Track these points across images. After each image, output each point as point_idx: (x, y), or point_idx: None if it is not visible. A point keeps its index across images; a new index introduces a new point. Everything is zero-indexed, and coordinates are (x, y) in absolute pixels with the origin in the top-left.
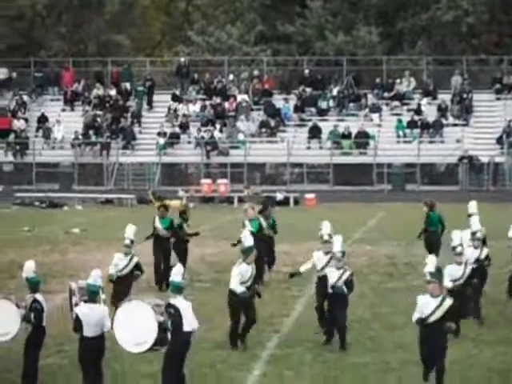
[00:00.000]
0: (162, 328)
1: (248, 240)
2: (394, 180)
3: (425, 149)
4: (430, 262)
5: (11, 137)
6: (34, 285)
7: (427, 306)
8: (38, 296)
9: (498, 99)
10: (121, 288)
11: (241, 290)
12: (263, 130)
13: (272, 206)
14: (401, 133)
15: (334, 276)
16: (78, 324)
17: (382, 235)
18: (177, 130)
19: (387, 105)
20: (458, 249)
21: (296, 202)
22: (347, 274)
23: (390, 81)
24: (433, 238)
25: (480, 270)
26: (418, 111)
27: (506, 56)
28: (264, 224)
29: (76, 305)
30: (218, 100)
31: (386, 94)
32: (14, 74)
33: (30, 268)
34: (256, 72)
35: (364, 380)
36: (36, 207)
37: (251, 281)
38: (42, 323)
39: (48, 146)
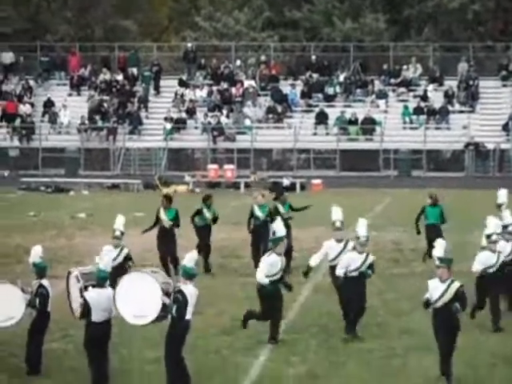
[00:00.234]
0: (165, 310)
1: (279, 230)
2: (400, 166)
3: (431, 135)
4: (439, 246)
5: (17, 121)
6: (40, 270)
7: (436, 290)
8: (44, 281)
9: (505, 86)
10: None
11: (265, 281)
12: (270, 115)
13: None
14: (407, 119)
15: (357, 260)
16: (86, 309)
17: (388, 221)
18: (183, 115)
19: (394, 91)
20: (493, 237)
21: (302, 187)
22: (371, 258)
23: (397, 67)
24: (433, 231)
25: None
26: (425, 98)
27: (511, 43)
28: (282, 209)
29: (81, 291)
30: (224, 85)
31: (392, 81)
32: (21, 59)
33: (37, 253)
34: (263, 58)
35: (369, 366)
36: (42, 192)
37: (281, 273)
38: (47, 309)
39: (54, 130)
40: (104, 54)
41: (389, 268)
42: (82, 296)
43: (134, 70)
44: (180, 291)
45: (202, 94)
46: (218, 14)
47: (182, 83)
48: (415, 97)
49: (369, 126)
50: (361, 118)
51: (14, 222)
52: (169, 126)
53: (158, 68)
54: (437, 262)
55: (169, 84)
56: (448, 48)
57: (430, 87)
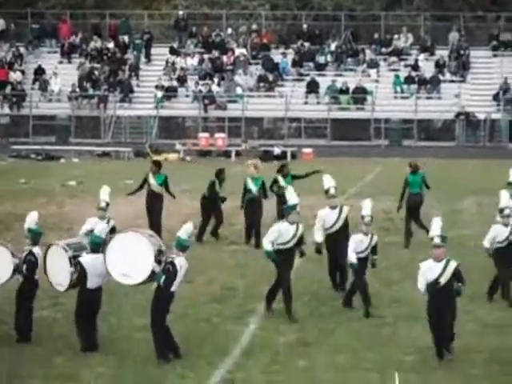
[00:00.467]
0: (152, 277)
1: (292, 198)
2: (391, 135)
3: (422, 105)
4: (436, 225)
5: (8, 89)
6: (35, 236)
7: (431, 271)
8: (35, 249)
9: (495, 56)
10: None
11: (269, 248)
12: (261, 84)
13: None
14: (398, 88)
15: (364, 242)
16: (82, 275)
17: (378, 190)
18: (174, 83)
19: (385, 60)
20: (506, 211)
21: (293, 156)
22: (375, 238)
23: (388, 36)
24: (415, 200)
25: None
26: (416, 67)
27: (503, 13)
28: (282, 182)
29: (71, 259)
30: (215, 54)
31: (383, 50)
32: (12, 26)
33: (33, 219)
34: (254, 26)
35: (359, 334)
36: (32, 160)
37: (295, 240)
38: (35, 276)
39: (45, 98)
40: (95, 21)
41: (379, 237)
42: (73, 264)
43: (125, 38)
44: (171, 262)
45: (193, 62)
46: None
47: (173, 51)
48: (406, 66)
49: (360, 95)
50: (352, 87)
51: (4, 189)
52: (160, 94)
53: (149, 36)
54: (437, 241)
55: (160, 52)
56: (439, 17)
57: (421, 57)
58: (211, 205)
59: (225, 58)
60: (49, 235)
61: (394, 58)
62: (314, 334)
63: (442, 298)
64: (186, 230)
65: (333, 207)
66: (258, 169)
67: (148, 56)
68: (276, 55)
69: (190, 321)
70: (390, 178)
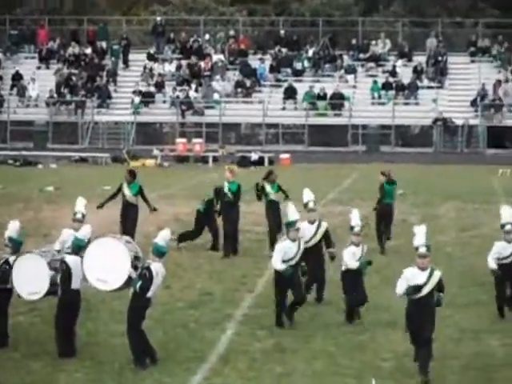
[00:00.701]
0: (129, 283)
1: (291, 214)
2: (368, 141)
3: (399, 110)
4: (421, 234)
5: None
6: (15, 245)
7: (414, 280)
8: (12, 258)
9: (473, 62)
10: None
11: (282, 267)
12: (239, 90)
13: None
14: (376, 94)
15: (356, 253)
16: (67, 274)
17: (356, 196)
18: (152, 89)
19: (362, 66)
20: (507, 227)
21: (271, 162)
22: (366, 248)
23: (366, 42)
24: (386, 210)
25: None
26: (393, 73)
27: (480, 19)
28: (269, 189)
29: (50, 264)
30: (193, 59)
31: (361, 56)
32: None
33: (14, 228)
34: (232, 32)
35: (336, 340)
36: (10, 165)
37: (297, 258)
38: (7, 285)
39: (22, 104)
40: (73, 27)
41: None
42: (53, 268)
43: (103, 44)
44: (147, 268)
45: (170, 68)
46: None
47: (150, 57)
48: (384, 72)
49: (337, 101)
50: (329, 93)
51: None
52: (137, 99)
53: (126, 42)
54: (423, 250)
55: (137, 58)
56: (417, 23)
57: (399, 62)
58: (206, 219)
59: (202, 64)
60: (26, 241)
61: (371, 64)
62: (291, 340)
63: (422, 307)
64: (163, 237)
65: (311, 221)
66: (233, 173)
67: (126, 62)
68: (253, 61)
69: (167, 326)
70: (367, 184)
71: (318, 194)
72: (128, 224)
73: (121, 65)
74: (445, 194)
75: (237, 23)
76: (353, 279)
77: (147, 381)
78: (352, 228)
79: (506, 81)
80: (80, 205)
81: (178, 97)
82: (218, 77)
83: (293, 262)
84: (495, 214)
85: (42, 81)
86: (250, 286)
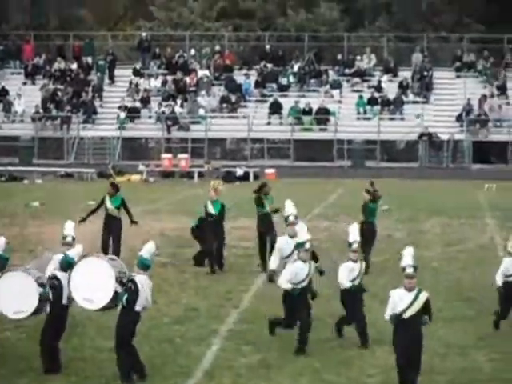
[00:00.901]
0: (115, 298)
1: (302, 234)
2: (354, 156)
3: (385, 126)
4: (408, 255)
5: None
6: (2, 261)
7: (401, 301)
8: None
9: (458, 77)
10: None
11: (288, 287)
12: (224, 105)
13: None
14: (361, 109)
15: (354, 270)
16: (59, 290)
17: (341, 211)
18: (138, 104)
19: (348, 81)
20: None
21: (256, 177)
22: (364, 265)
23: (351, 57)
24: (370, 229)
25: None
26: (379, 88)
27: (466, 34)
28: (266, 202)
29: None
30: (179, 75)
31: (346, 71)
32: None
33: (0, 245)
34: (217, 47)
35: (322, 355)
36: None
37: (308, 279)
38: None
39: (8, 119)
40: (59, 42)
41: (342, 257)
42: (41, 284)
43: (89, 59)
44: (132, 280)
45: (156, 83)
46: (172, 4)
47: (136, 72)
48: (369, 87)
49: (323, 116)
50: (315, 108)
51: None
52: (123, 115)
53: (112, 57)
54: (410, 271)
55: (123, 73)
56: (402, 38)
57: (385, 78)
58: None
59: (188, 79)
60: (12, 257)
61: (357, 79)
62: (276, 356)
63: (408, 328)
64: (148, 249)
65: (291, 236)
66: (217, 192)
67: (111, 77)
68: (239, 76)
69: (153, 341)
70: (352, 199)
71: (303, 208)
72: (112, 238)
73: (106, 80)
74: (430, 209)
75: (222, 38)
76: (351, 297)
77: None
78: (350, 244)
79: (492, 96)
80: (69, 228)
81: (163, 112)
82: (203, 92)
83: (304, 284)
84: (481, 229)
85: (27, 96)
86: (236, 302)
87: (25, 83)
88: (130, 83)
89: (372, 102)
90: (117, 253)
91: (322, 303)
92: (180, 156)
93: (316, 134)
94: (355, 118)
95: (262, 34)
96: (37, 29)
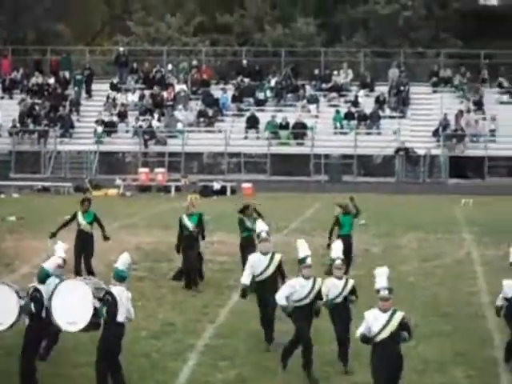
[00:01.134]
0: (96, 313)
1: (302, 250)
2: (330, 171)
3: (362, 140)
4: (382, 276)
5: None
6: None
7: (376, 321)
8: None
9: (435, 92)
10: None
11: (282, 302)
12: (201, 119)
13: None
14: (338, 124)
15: (337, 287)
16: (40, 303)
17: (318, 225)
18: (115, 118)
19: (325, 96)
20: None
21: (233, 191)
22: (351, 282)
23: (328, 72)
24: (344, 242)
25: None
26: (356, 103)
27: (443, 49)
28: (248, 223)
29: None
30: (156, 89)
31: (323, 86)
32: None
33: None
34: (195, 62)
35: (298, 371)
36: None
37: (311, 296)
38: None
39: None
40: (36, 57)
41: (319, 272)
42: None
43: (66, 74)
44: (109, 292)
45: (133, 97)
46: (150, 19)
47: (113, 87)
48: (346, 102)
49: (300, 130)
50: (292, 122)
51: None
52: (100, 129)
53: (89, 72)
54: (384, 293)
55: (100, 88)
56: (379, 54)
57: (361, 93)
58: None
59: (165, 94)
60: None
61: (333, 94)
62: (252, 371)
63: (386, 349)
64: (123, 261)
65: (264, 253)
66: (194, 207)
67: (89, 92)
68: (216, 91)
69: (129, 356)
70: (329, 214)
71: (280, 223)
72: (84, 254)
73: (84, 95)
74: (407, 223)
75: (199, 53)
76: (337, 311)
77: None
78: (333, 260)
79: (468, 111)
80: (60, 250)
81: (140, 126)
82: (180, 106)
83: (307, 301)
84: (458, 244)
85: (4, 110)
86: (212, 317)
87: (2, 97)
88: (108, 98)
89: (349, 116)
90: (88, 268)
91: None
92: (157, 170)
93: (293, 149)
94: (332, 132)
95: (239, 49)
96: (14, 43)
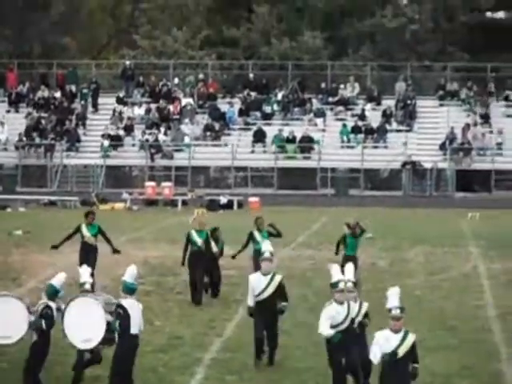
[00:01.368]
0: (109, 328)
1: (335, 274)
2: (337, 185)
3: (368, 154)
4: (394, 295)
5: None
6: None
7: (388, 343)
8: None
9: (442, 105)
10: None
11: (328, 333)
12: (208, 133)
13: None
14: (345, 138)
15: (341, 313)
16: (51, 318)
17: (325, 239)
18: (121, 132)
19: (331, 110)
20: None
21: (240, 205)
22: (366, 305)
23: (335, 86)
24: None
25: None
26: (362, 116)
27: (449, 63)
28: (258, 237)
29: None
30: (162, 103)
31: (330, 99)
32: None
33: None
34: (201, 76)
35: None
36: None
37: (349, 321)
38: None
39: None
40: (42, 71)
41: (326, 286)
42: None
43: (73, 87)
44: (120, 305)
45: (139, 111)
46: (156, 33)
47: (119, 101)
48: (353, 116)
49: (306, 144)
50: (298, 136)
51: None
52: (106, 143)
53: (96, 85)
54: (396, 312)
55: (107, 101)
56: (386, 67)
57: (368, 106)
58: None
59: (171, 108)
60: None
61: (340, 108)
62: None
63: (397, 371)
64: (130, 273)
65: (264, 274)
66: (201, 224)
67: (95, 105)
68: (222, 104)
69: (136, 370)
70: (336, 228)
71: (287, 237)
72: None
73: (90, 108)
74: (414, 237)
75: (206, 67)
76: (350, 338)
77: None
78: (345, 283)
79: (475, 124)
80: (86, 275)
81: (147, 140)
82: (187, 120)
83: (343, 327)
84: (464, 258)
85: (11, 124)
86: (219, 330)
87: (8, 111)
88: (114, 111)
89: (355, 130)
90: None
91: (304, 332)
92: (163, 184)
93: (300, 163)
94: (339, 146)
95: (246, 63)
96: (20, 57)
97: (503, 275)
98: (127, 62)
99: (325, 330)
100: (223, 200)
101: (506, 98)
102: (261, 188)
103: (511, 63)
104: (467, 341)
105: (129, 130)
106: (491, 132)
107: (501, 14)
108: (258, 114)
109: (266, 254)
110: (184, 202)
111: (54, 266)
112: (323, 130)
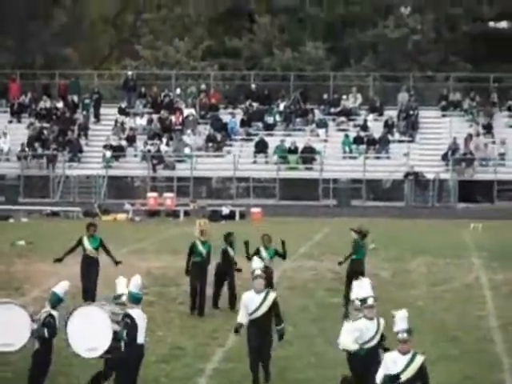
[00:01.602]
0: (116, 337)
1: (364, 290)
2: (339, 195)
3: (371, 165)
4: (402, 319)
5: None
6: None
7: (395, 365)
8: None
9: (444, 116)
10: None
11: (355, 347)
12: (210, 144)
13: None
14: (347, 148)
15: (371, 329)
16: (54, 327)
17: (327, 250)
18: (123, 143)
19: (334, 120)
20: None
21: (242, 216)
22: (383, 322)
23: (337, 97)
24: (358, 267)
25: None
26: (365, 127)
27: (452, 73)
28: (264, 254)
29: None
30: (164, 114)
31: (332, 110)
32: None
33: None
34: (203, 86)
35: None
36: None
37: (378, 338)
38: None
39: None
40: (44, 81)
41: (328, 297)
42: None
43: (75, 98)
44: (128, 315)
45: (141, 122)
46: (158, 43)
47: (121, 111)
48: (355, 126)
49: (308, 155)
50: (301, 146)
51: None
52: (108, 153)
53: (98, 96)
54: (403, 336)
55: (109, 112)
56: (388, 78)
57: (370, 117)
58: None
59: (173, 118)
60: None
61: (342, 118)
62: None
63: None
64: (134, 284)
65: (257, 291)
66: (205, 234)
67: (97, 116)
68: (224, 115)
69: (138, 381)
70: (338, 238)
71: (289, 248)
72: (90, 279)
73: (92, 119)
74: (416, 248)
75: (208, 77)
76: (362, 362)
77: None
78: (364, 301)
79: (478, 135)
80: (122, 286)
81: (149, 151)
82: (189, 131)
83: (373, 343)
84: (467, 269)
85: (13, 135)
86: (221, 341)
87: (10, 121)
88: (116, 122)
89: (358, 141)
90: (92, 296)
91: (305, 343)
92: (166, 195)
93: (302, 173)
94: (341, 156)
95: (248, 73)
96: (22, 67)
97: (505, 286)
98: (129, 73)
99: (350, 344)
100: (225, 211)
101: (509, 109)
102: (263, 199)
103: None
104: (469, 351)
105: (131, 140)
106: (494, 142)
107: (503, 24)
108: (260, 124)
109: (257, 272)
110: (186, 213)
111: (57, 276)
112: (325, 141)
